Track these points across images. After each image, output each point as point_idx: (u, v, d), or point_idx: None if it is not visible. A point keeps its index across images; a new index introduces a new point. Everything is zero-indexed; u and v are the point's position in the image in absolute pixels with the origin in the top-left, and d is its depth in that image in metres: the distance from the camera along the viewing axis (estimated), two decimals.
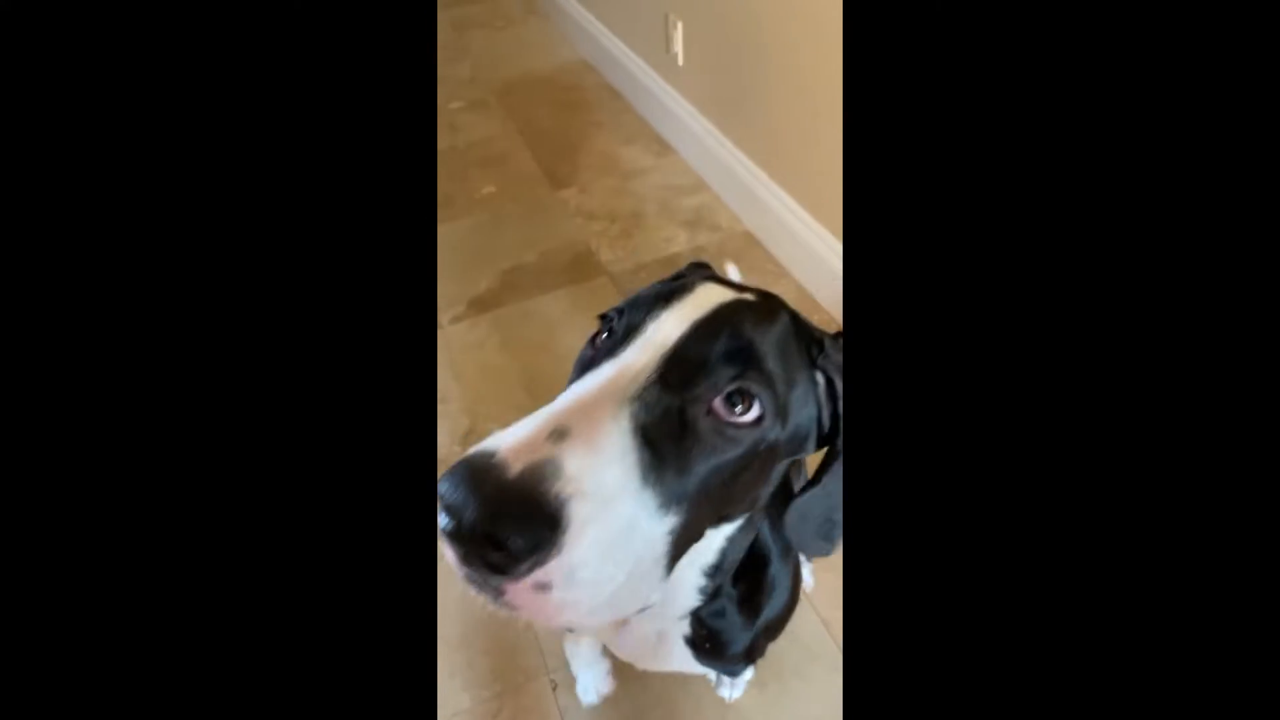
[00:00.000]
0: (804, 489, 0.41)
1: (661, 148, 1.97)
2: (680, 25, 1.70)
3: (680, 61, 1.75)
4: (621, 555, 0.31)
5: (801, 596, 1.03)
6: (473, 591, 0.31)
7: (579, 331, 1.45)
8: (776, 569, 0.55)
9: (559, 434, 0.30)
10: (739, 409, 0.35)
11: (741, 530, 0.45)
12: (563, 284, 1.57)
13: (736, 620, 0.53)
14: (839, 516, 0.42)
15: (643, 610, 0.35)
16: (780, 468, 0.40)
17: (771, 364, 0.36)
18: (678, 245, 1.63)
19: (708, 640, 0.54)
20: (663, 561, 0.33)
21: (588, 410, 0.32)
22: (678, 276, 0.45)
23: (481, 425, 1.29)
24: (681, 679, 0.95)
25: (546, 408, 0.32)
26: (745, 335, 0.36)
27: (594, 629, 0.58)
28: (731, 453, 0.35)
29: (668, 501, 0.33)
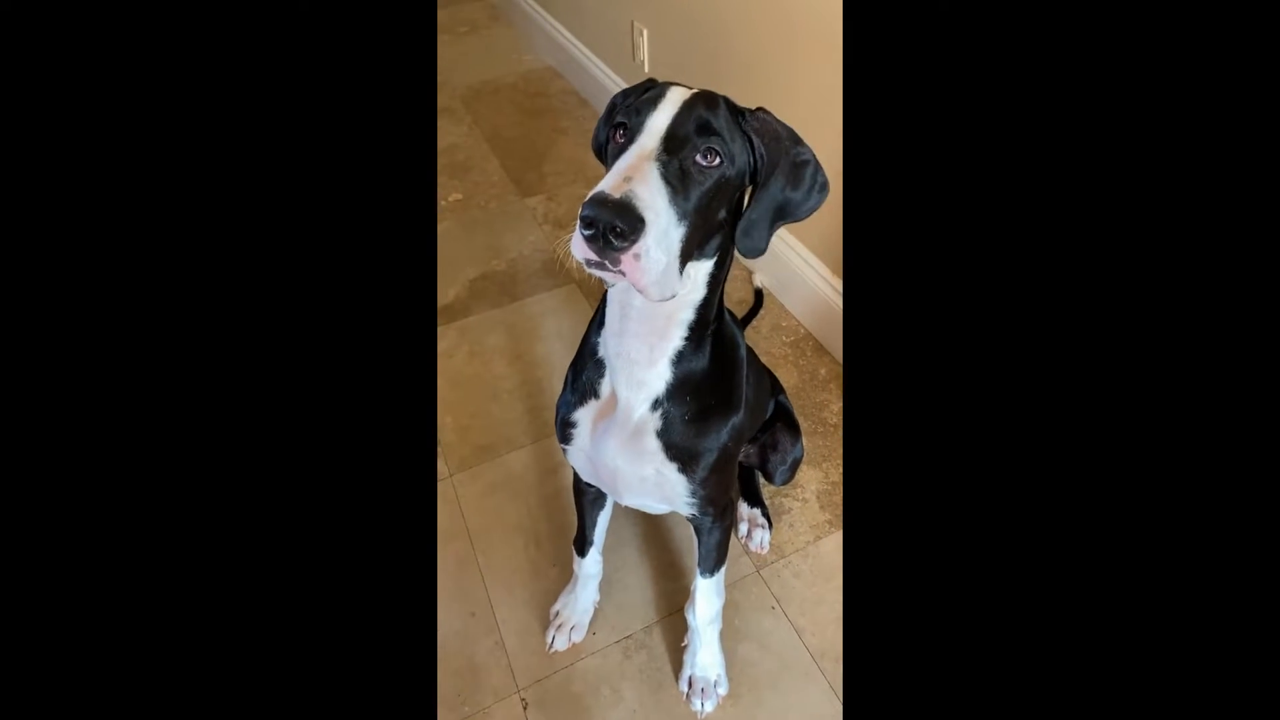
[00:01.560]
0: (746, 212, 0.66)
1: None
2: (646, 33, 1.70)
3: (647, 68, 1.75)
4: (665, 243, 0.56)
5: (774, 603, 1.03)
6: (596, 270, 0.55)
7: (550, 339, 1.43)
8: (741, 389, 0.76)
9: (628, 179, 0.54)
10: (708, 159, 0.60)
11: (709, 287, 0.68)
12: (531, 292, 1.55)
13: (699, 413, 0.72)
14: (760, 227, 0.66)
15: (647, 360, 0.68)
16: (732, 198, 0.65)
17: (723, 131, 0.61)
18: None
19: (677, 434, 0.72)
20: (678, 259, 0.58)
21: (636, 167, 0.56)
22: (648, 86, 0.65)
23: (449, 437, 1.26)
24: (655, 691, 0.93)
25: (616, 166, 0.57)
26: (704, 117, 0.60)
27: (584, 459, 0.78)
28: (709, 182, 0.60)
29: (680, 216, 0.57)
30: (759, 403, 0.96)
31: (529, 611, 1.03)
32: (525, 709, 0.93)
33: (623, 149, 0.59)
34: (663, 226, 0.54)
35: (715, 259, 0.66)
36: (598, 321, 0.74)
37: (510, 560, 1.09)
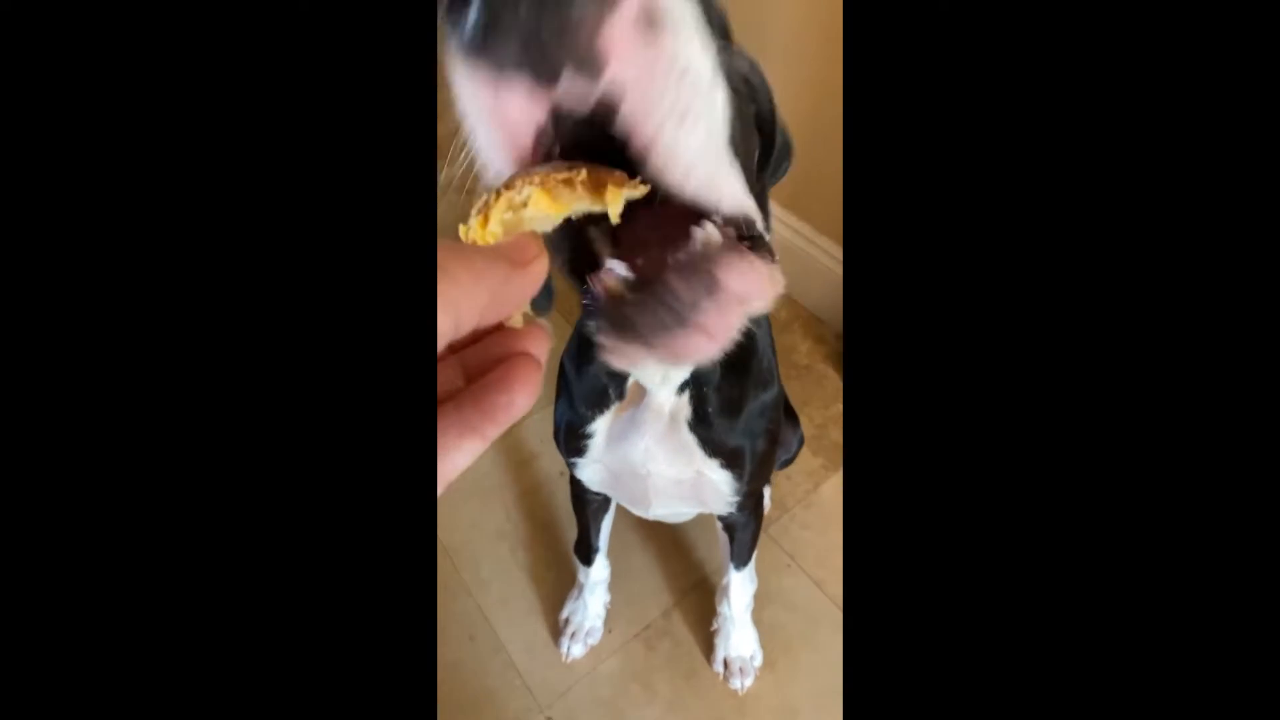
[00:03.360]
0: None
1: None
2: None
3: None
4: (699, 80, 0.22)
5: (789, 560, 0.99)
6: (673, 329, 0.23)
7: None
8: (766, 357, 0.61)
9: None
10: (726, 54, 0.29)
11: None
12: None
13: (734, 399, 0.57)
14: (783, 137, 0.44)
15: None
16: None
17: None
18: None
19: (714, 426, 0.56)
20: (727, 147, 0.25)
21: None
22: None
23: None
24: (689, 678, 0.87)
25: None
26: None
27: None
28: (736, 81, 0.29)
29: (717, 72, 0.23)
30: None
31: (534, 622, 0.93)
32: None
33: None
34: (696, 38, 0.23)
35: None
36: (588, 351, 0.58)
37: (499, 572, 0.98)
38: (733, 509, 0.66)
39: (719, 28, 0.32)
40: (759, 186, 0.35)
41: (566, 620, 0.90)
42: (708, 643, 0.90)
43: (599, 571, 0.86)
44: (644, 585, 0.96)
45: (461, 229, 0.23)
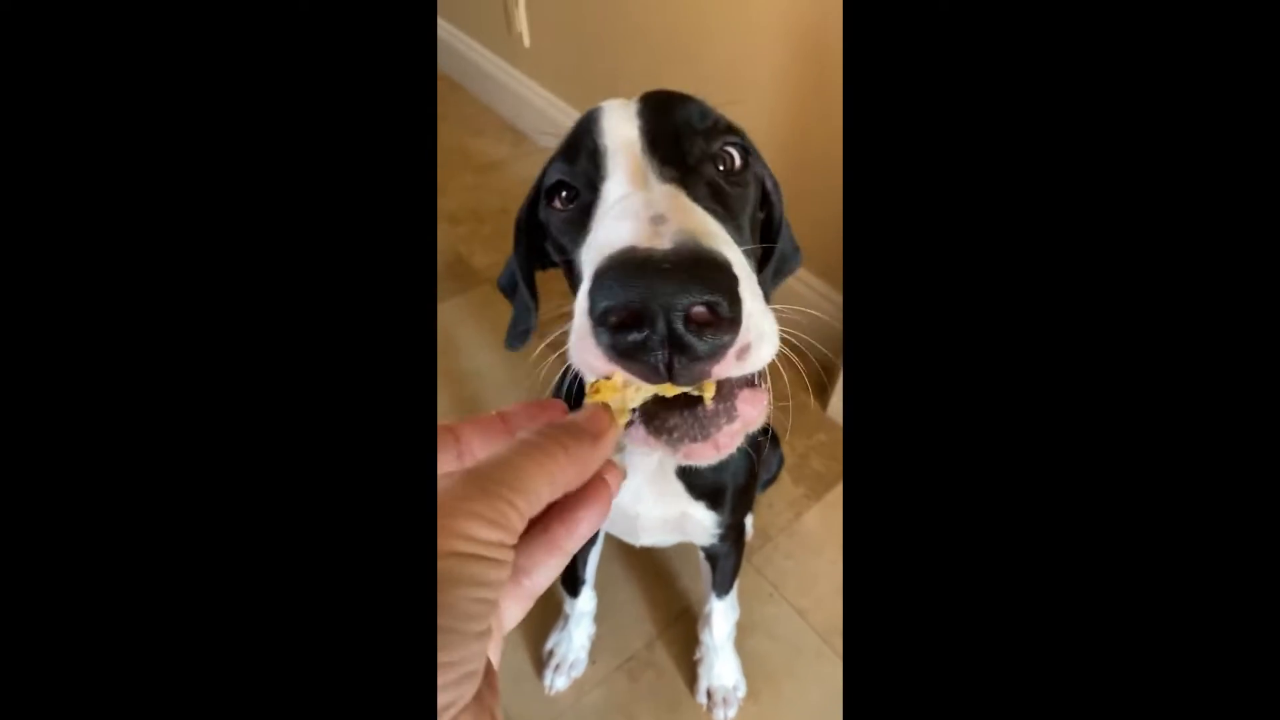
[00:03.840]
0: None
1: (516, 136, 1.82)
2: (521, 2, 1.56)
3: (526, 41, 1.62)
4: (754, 290, 0.30)
5: (772, 590, 0.99)
6: (699, 438, 0.30)
7: (474, 351, 1.30)
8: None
9: (659, 219, 0.29)
10: (730, 160, 0.40)
11: None
12: (440, 298, 1.40)
13: None
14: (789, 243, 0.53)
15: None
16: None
17: (722, 118, 0.41)
18: None
19: (698, 470, 0.58)
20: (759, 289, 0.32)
21: (653, 201, 0.31)
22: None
23: None
24: (672, 709, 0.87)
25: (614, 214, 0.33)
26: (689, 108, 0.40)
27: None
28: (750, 190, 0.41)
29: (738, 241, 0.34)
30: None
31: (516, 655, 0.93)
32: None
33: (588, 203, 0.37)
34: (746, 269, 0.30)
35: None
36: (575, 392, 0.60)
37: None
38: (715, 540, 0.68)
39: (744, 148, 0.41)
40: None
41: (550, 652, 0.90)
42: (691, 673, 0.90)
43: (585, 603, 0.87)
44: (628, 616, 0.96)
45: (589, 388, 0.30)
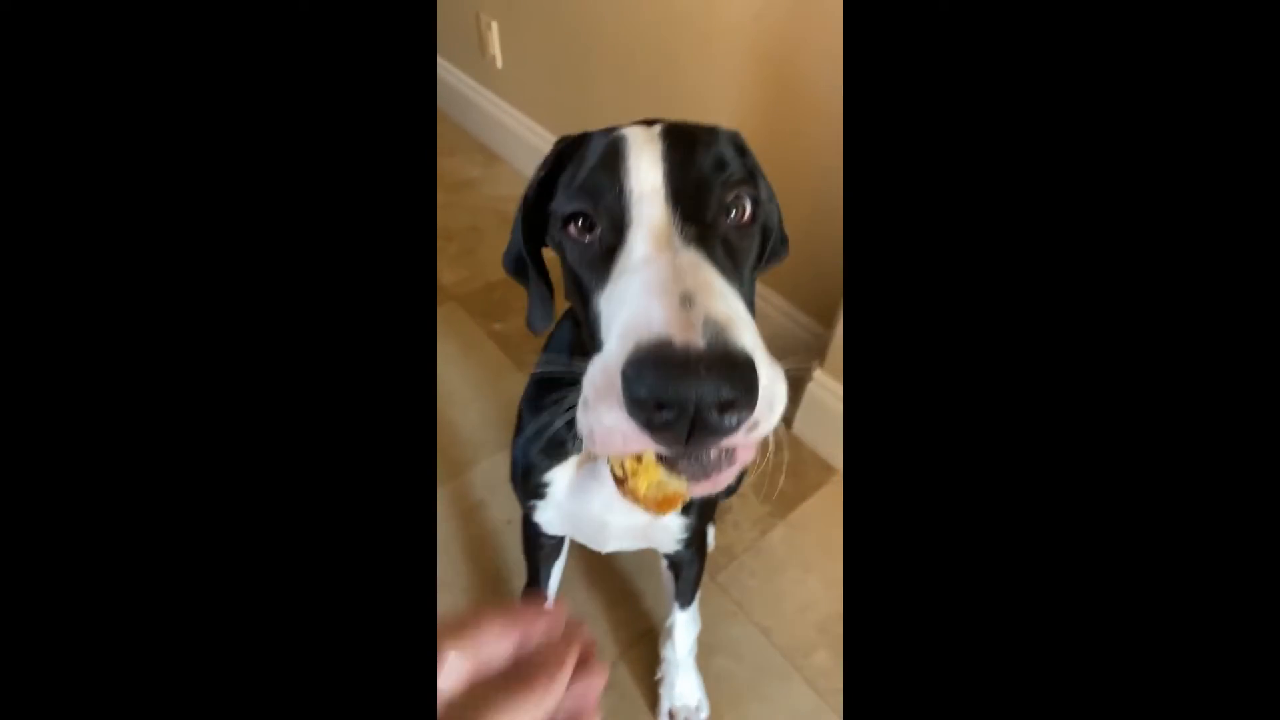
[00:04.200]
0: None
1: (487, 157, 1.83)
2: (495, 25, 1.58)
3: (499, 64, 1.64)
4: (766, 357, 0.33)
5: (736, 608, 0.98)
6: (699, 478, 0.34)
7: (442, 367, 1.28)
8: None
9: (688, 299, 0.32)
10: (742, 213, 0.41)
11: None
12: None
13: None
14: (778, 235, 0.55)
15: None
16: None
17: (740, 168, 0.42)
18: None
19: None
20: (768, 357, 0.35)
21: (681, 272, 0.34)
22: (567, 146, 0.46)
23: None
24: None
25: (642, 281, 0.35)
26: (716, 151, 0.42)
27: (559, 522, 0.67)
28: (754, 244, 0.43)
29: (741, 292, 0.38)
30: None
31: None
32: None
33: (605, 248, 0.39)
34: (761, 348, 0.32)
35: None
36: (546, 399, 0.59)
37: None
38: (680, 546, 0.68)
39: (755, 199, 0.44)
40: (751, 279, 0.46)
41: None
42: (653, 695, 0.88)
43: None
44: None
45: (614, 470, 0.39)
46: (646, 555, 1.03)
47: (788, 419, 1.22)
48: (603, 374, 0.31)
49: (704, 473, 0.34)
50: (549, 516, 0.66)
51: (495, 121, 1.75)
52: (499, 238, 1.58)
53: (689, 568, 0.76)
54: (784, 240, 0.58)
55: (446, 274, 1.48)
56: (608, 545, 0.69)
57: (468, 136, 1.89)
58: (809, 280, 1.19)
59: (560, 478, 0.62)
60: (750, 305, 0.41)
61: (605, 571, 1.02)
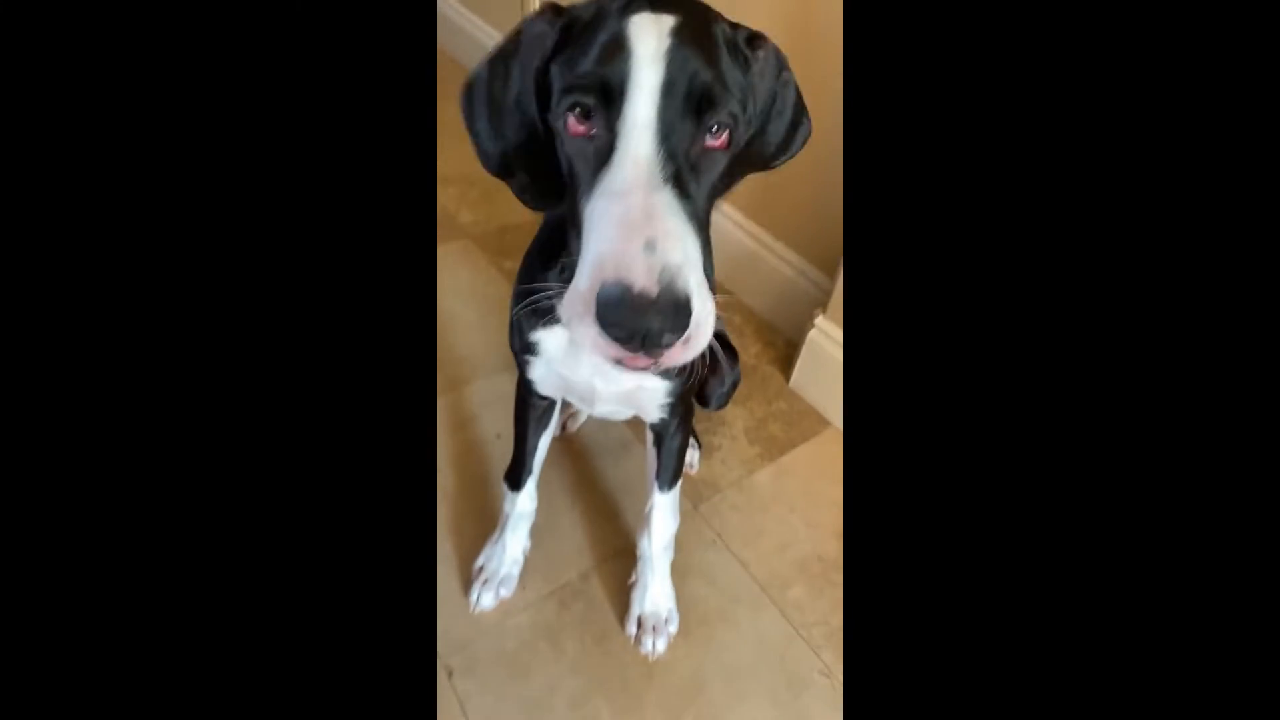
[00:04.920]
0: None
1: None
2: None
3: None
4: (703, 280, 0.42)
5: (715, 537, 0.97)
6: (630, 368, 0.43)
7: (446, 295, 1.30)
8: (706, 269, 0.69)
9: (650, 244, 0.39)
10: (717, 137, 0.45)
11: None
12: None
13: None
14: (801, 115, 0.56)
15: None
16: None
17: (732, 87, 0.45)
18: None
19: None
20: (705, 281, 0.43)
21: (650, 213, 0.40)
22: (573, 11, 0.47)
23: None
24: (599, 640, 0.84)
25: (614, 217, 0.41)
26: (705, 80, 0.43)
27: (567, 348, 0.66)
28: (720, 164, 0.46)
29: (700, 231, 0.44)
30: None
31: (446, 572, 0.89)
32: (450, 677, 0.80)
33: (598, 154, 0.43)
34: (699, 268, 0.41)
35: None
36: (547, 247, 0.61)
37: None
38: (665, 411, 0.69)
39: (741, 59, 0.48)
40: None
41: (480, 568, 0.87)
42: (623, 609, 0.87)
43: (525, 502, 0.84)
44: (565, 545, 0.94)
45: None
46: (630, 471, 1.03)
47: (787, 374, 1.22)
48: (581, 303, 0.40)
49: (633, 364, 0.42)
50: (540, 373, 0.68)
51: None
52: None
53: (672, 439, 0.76)
54: (805, 117, 0.56)
55: (465, 214, 1.51)
56: (596, 408, 0.70)
57: None
58: (816, 232, 1.19)
59: (550, 340, 0.64)
60: (705, 218, 0.46)
61: (587, 486, 1.01)
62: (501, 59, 0.50)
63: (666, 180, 0.42)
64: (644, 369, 0.43)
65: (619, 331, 0.39)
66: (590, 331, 0.40)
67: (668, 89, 0.42)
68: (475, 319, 1.25)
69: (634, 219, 0.40)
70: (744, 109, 0.47)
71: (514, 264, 1.43)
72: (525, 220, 1.50)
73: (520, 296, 0.64)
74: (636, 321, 0.38)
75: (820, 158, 1.11)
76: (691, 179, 0.44)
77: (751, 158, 0.53)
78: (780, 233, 1.26)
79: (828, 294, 1.16)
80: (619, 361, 0.42)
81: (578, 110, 0.44)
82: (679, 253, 0.39)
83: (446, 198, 1.55)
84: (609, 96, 0.43)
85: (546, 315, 0.62)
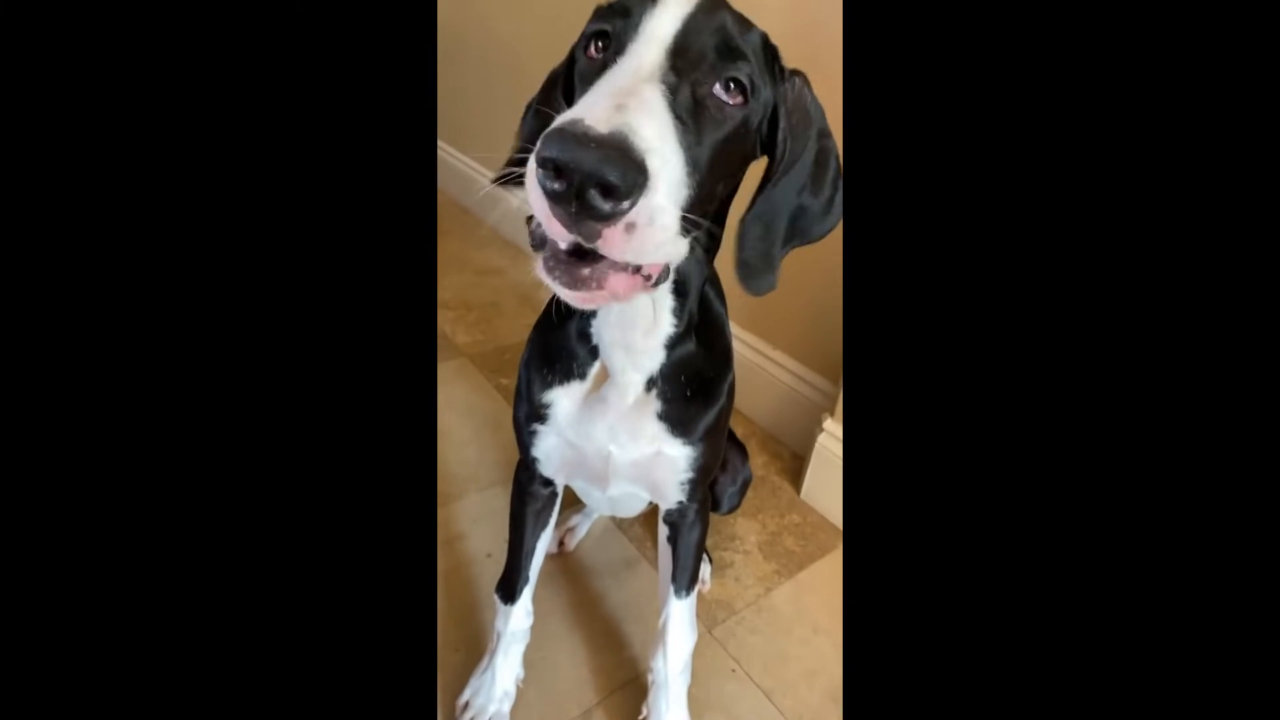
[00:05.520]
0: (755, 197, 0.50)
1: (514, 252, 1.94)
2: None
3: None
4: (676, 199, 0.37)
5: (734, 665, 0.86)
6: (570, 286, 0.39)
7: (442, 411, 1.26)
8: (727, 373, 0.65)
9: (621, 107, 0.35)
10: (732, 93, 0.44)
11: (698, 261, 0.54)
12: None
13: (694, 394, 0.60)
14: (773, 241, 0.51)
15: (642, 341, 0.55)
16: (746, 158, 0.49)
17: (752, 59, 0.45)
18: None
19: (675, 413, 0.59)
20: (680, 225, 0.38)
21: (631, 90, 0.37)
22: None
23: None
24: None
25: (600, 88, 0.38)
26: (729, 32, 0.43)
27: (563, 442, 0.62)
28: (730, 125, 0.43)
29: (691, 169, 0.39)
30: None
31: None
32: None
33: (605, 65, 0.41)
34: (674, 176, 0.36)
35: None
36: (562, 311, 0.59)
37: None
38: (683, 493, 0.63)
39: (774, 73, 0.48)
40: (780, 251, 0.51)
41: (466, 705, 0.74)
42: None
43: (521, 617, 0.74)
44: (563, 679, 0.82)
45: None
46: (635, 592, 0.92)
47: (797, 486, 1.15)
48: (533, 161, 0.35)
49: (574, 283, 0.38)
50: (550, 445, 0.62)
51: (523, 223, 1.88)
52: (517, 313, 1.62)
53: (688, 533, 0.68)
54: (829, 210, 0.52)
55: (461, 336, 1.50)
56: (610, 489, 0.63)
57: (500, 237, 2.02)
58: (817, 337, 1.19)
59: (564, 401, 0.60)
60: (706, 179, 0.41)
61: (587, 610, 0.91)
62: (551, 78, 0.55)
63: (661, 80, 0.38)
64: (587, 281, 0.37)
65: (551, 169, 0.32)
66: (531, 183, 0.34)
67: (694, 21, 0.42)
68: (469, 434, 1.20)
69: (616, 85, 0.37)
70: (760, 85, 0.45)
71: (510, 380, 1.41)
72: (520, 341, 1.50)
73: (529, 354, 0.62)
74: (571, 152, 0.32)
75: (816, 262, 1.13)
76: (690, 113, 0.40)
77: (792, 219, 0.51)
78: (778, 341, 1.26)
79: (833, 399, 1.13)
80: (562, 272, 0.37)
81: (599, 41, 0.44)
82: (651, 127, 0.35)
83: (443, 320, 1.56)
84: (629, 24, 0.42)
85: (561, 371, 0.60)
